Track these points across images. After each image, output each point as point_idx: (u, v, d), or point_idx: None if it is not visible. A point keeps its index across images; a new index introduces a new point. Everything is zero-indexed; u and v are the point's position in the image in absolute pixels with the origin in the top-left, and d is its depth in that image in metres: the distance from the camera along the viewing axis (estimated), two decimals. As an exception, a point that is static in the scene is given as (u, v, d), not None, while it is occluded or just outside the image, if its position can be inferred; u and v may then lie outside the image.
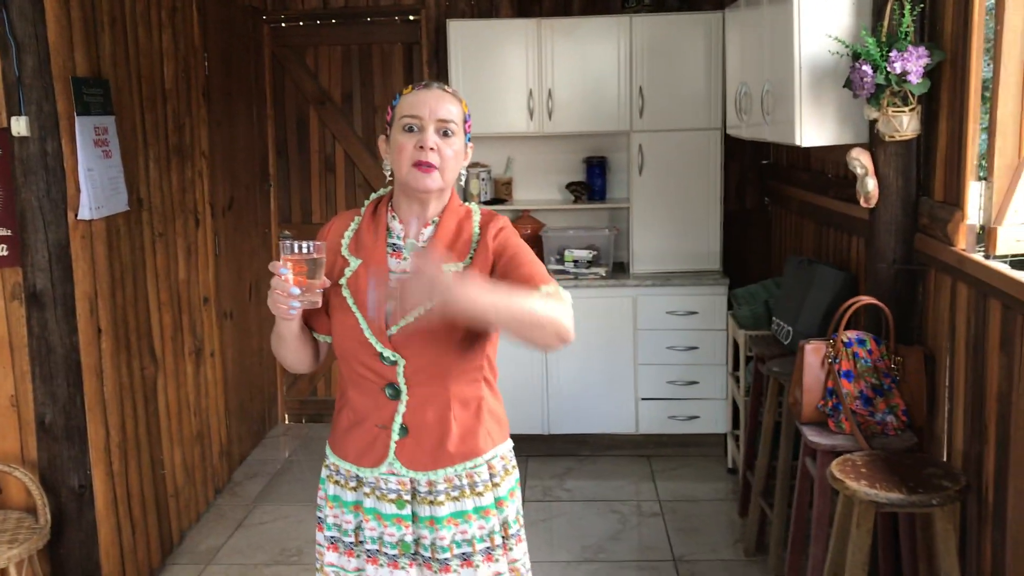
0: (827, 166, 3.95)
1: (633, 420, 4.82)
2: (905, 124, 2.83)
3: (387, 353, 1.91)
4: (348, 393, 2.01)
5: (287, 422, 5.66)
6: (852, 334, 2.91)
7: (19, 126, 3.09)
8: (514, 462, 2.11)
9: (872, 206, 3.01)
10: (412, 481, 1.97)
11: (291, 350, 1.96)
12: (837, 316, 2.93)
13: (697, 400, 4.78)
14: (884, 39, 2.81)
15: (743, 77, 3.94)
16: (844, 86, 2.97)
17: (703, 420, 4.79)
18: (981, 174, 2.69)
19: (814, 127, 3.11)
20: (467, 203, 2.05)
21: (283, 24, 5.39)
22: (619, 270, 4.99)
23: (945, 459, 2.81)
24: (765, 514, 3.70)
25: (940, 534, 2.46)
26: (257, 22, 5.28)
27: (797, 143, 3.13)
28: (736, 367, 4.50)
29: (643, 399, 4.80)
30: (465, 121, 1.99)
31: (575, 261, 4.80)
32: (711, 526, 4.08)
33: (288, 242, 1.80)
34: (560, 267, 4.80)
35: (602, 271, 4.78)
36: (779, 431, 3.57)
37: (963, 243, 2.68)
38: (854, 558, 2.50)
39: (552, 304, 1.81)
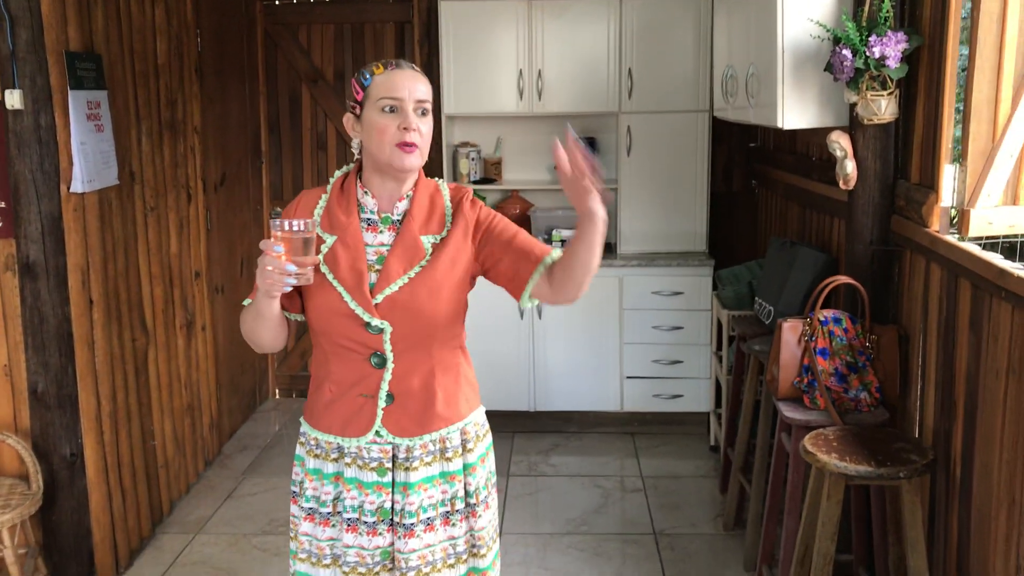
0: (812, 149, 4.01)
1: (618, 398, 4.90)
2: (883, 108, 2.88)
3: (375, 322, 1.97)
4: (330, 367, 2.05)
5: (277, 397, 5.73)
6: (828, 313, 2.98)
7: (13, 99, 3.13)
8: (487, 427, 2.19)
9: (851, 188, 3.08)
10: (394, 448, 2.04)
11: (269, 329, 1.98)
12: (814, 295, 3.00)
13: (681, 379, 4.85)
14: (864, 24, 2.86)
15: (730, 60, 3.99)
16: (825, 70, 3.02)
17: (687, 399, 4.87)
18: (956, 158, 2.75)
19: (796, 110, 3.17)
20: (431, 178, 2.12)
21: (276, 1, 5.41)
22: (606, 250, 5.04)
23: (916, 435, 2.89)
24: (744, 490, 3.78)
25: (907, 506, 2.53)
26: (250, -1, 5.31)
27: (779, 125, 3.19)
28: (720, 347, 4.57)
29: (628, 377, 4.88)
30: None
31: (563, 241, 4.86)
32: (692, 502, 4.16)
33: (279, 220, 1.85)
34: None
35: (589, 251, 4.83)
36: (759, 409, 3.64)
37: (936, 225, 2.75)
38: (824, 529, 2.57)
39: None
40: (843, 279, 3.01)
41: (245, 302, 2.05)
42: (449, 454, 2.07)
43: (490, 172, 5.17)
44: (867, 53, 2.79)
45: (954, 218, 2.76)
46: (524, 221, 4.93)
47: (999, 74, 2.63)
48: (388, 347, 1.99)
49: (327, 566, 2.08)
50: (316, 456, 2.09)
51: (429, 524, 2.05)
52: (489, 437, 2.19)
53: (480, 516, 2.11)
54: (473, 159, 5.11)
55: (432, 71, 5.25)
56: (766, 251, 4.36)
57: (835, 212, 3.58)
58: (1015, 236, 2.71)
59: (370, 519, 2.04)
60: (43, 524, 3.41)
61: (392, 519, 2.05)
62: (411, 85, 1.97)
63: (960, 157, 2.72)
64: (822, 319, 2.96)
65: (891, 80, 2.86)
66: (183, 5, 4.30)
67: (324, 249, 2.01)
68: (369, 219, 2.04)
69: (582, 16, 4.80)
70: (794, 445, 2.89)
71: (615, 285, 4.80)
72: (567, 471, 4.52)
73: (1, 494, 3.17)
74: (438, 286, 1.99)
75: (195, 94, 4.43)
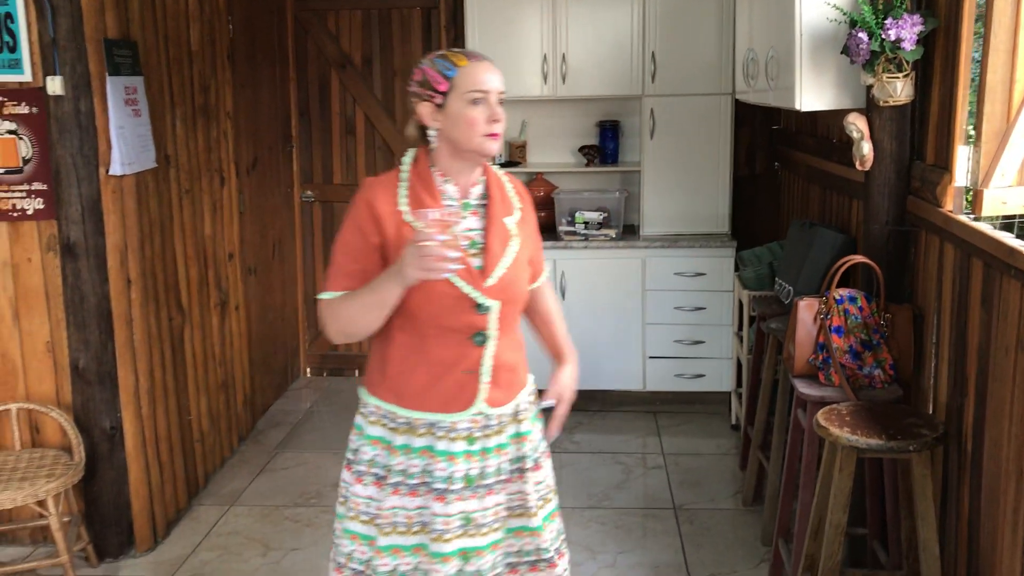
0: (832, 131, 4.05)
1: (641, 377, 4.97)
2: (899, 90, 2.93)
3: (485, 302, 2.10)
4: (427, 348, 2.12)
5: (308, 375, 5.87)
6: (844, 292, 3.03)
7: (54, 86, 3.26)
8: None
9: (867, 169, 3.13)
10: (484, 417, 2.17)
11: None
12: (830, 275, 3.06)
13: (703, 359, 4.92)
14: (880, 6, 2.90)
15: (751, 43, 4.03)
16: (842, 52, 3.07)
17: (709, 378, 4.93)
18: (970, 138, 2.79)
19: (813, 92, 3.22)
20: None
21: (305, -12, 5.52)
22: (629, 232, 5.12)
23: (930, 411, 2.95)
24: (763, 466, 3.85)
25: (917, 479, 2.60)
26: (280, -14, 5.41)
27: (797, 107, 3.24)
28: (741, 327, 4.64)
29: (651, 357, 4.95)
30: None
31: (586, 223, 4.93)
32: (712, 478, 4.24)
33: (427, 210, 1.93)
34: (571, 228, 4.93)
35: (612, 233, 4.91)
36: (778, 387, 3.71)
37: (951, 205, 2.80)
38: (836, 501, 2.64)
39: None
40: (858, 258, 3.07)
41: (327, 295, 2.10)
42: (520, 416, 2.23)
43: (515, 155, 5.25)
44: (883, 36, 2.83)
45: (968, 198, 2.80)
46: (548, 203, 5.01)
47: (1014, 55, 2.66)
48: (492, 325, 2.12)
49: (415, 533, 2.18)
50: (404, 432, 2.16)
51: (504, 483, 2.21)
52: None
53: (542, 467, 2.28)
54: (498, 142, 5.18)
55: (458, 56, 5.33)
56: (787, 232, 4.41)
57: (854, 193, 3.62)
58: (1029, 215, 2.75)
59: (457, 486, 2.14)
60: (84, 494, 3.56)
61: (475, 483, 2.18)
62: (494, 77, 2.10)
63: (975, 138, 2.76)
64: (837, 298, 3.02)
65: (907, 62, 2.90)
66: (215, -8, 4.41)
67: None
68: (450, 205, 2.14)
69: (606, 0, 4.85)
70: (808, 420, 2.96)
71: (638, 266, 4.87)
72: (590, 448, 4.61)
73: (46, 464, 3.31)
74: (525, 264, 2.22)
75: (227, 80, 4.54)
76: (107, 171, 3.38)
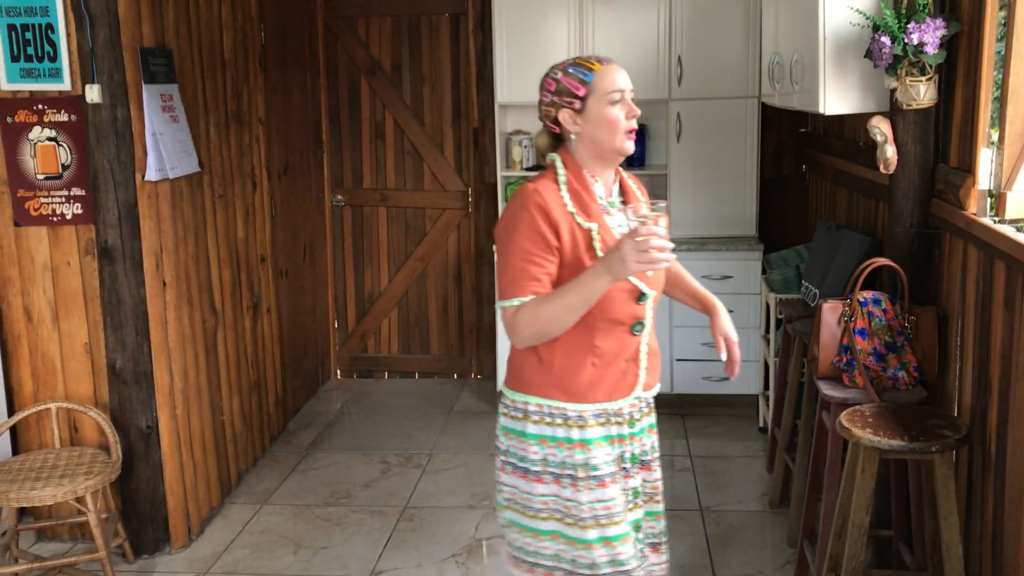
0: (859, 134, 4.05)
1: (668, 380, 4.99)
2: (922, 93, 2.94)
3: (648, 291, 2.22)
4: (595, 342, 2.19)
5: (339, 377, 5.95)
6: (868, 294, 3.05)
7: (92, 94, 3.35)
8: None
9: (891, 172, 3.14)
10: (639, 400, 2.31)
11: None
12: (854, 277, 3.07)
13: (730, 361, 4.92)
14: (903, 11, 2.92)
15: (776, 47, 4.05)
16: (865, 56, 3.08)
17: (736, 381, 4.93)
18: (993, 142, 2.80)
19: (837, 96, 3.24)
20: None
21: (336, -5, 5.60)
22: (657, 235, 5.12)
23: (955, 413, 2.95)
24: (789, 468, 3.86)
25: (940, 480, 2.61)
26: (311, -6, 5.50)
27: (821, 111, 3.26)
28: (768, 330, 4.64)
29: (678, 360, 4.97)
30: None
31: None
32: (739, 481, 4.26)
33: (638, 204, 2.02)
34: (599, 231, 4.96)
35: (640, 235, 4.93)
36: (804, 389, 3.72)
37: (974, 208, 2.80)
38: (859, 502, 2.66)
39: None
40: (882, 261, 3.08)
41: (515, 301, 2.12)
42: (652, 404, 2.39)
43: (541, 159, 5.28)
44: (905, 40, 2.85)
45: (992, 201, 2.81)
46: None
47: (1036, 59, 2.67)
48: (649, 313, 2.25)
49: (618, 523, 2.25)
50: (581, 427, 2.22)
51: (645, 464, 2.37)
52: None
53: (655, 470, 2.41)
54: (525, 147, 5.23)
55: (486, 61, 5.40)
56: (814, 235, 4.42)
57: (879, 196, 3.63)
58: (1053, 218, 2.76)
59: (630, 464, 2.30)
60: (121, 492, 3.65)
61: (638, 461, 2.33)
62: (626, 77, 2.21)
63: (997, 141, 2.77)
64: (861, 300, 3.03)
65: (930, 66, 2.92)
66: (247, 0, 4.50)
67: (594, 236, 2.17)
68: (602, 205, 2.24)
69: (632, 4, 4.89)
70: (832, 422, 2.98)
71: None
72: (617, 450, 4.63)
73: (84, 462, 3.40)
74: None
75: (259, 86, 4.63)
76: (143, 177, 3.47)
